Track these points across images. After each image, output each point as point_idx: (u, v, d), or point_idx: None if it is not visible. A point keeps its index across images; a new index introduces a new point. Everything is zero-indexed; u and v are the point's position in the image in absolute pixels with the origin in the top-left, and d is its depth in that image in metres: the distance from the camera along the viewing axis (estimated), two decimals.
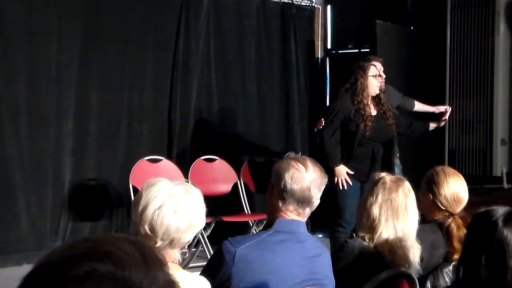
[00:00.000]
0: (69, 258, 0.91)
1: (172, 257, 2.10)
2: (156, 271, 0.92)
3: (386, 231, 2.83)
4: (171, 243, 2.07)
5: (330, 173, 5.02)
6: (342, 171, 5.12)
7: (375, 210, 2.85)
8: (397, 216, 2.84)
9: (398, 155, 5.61)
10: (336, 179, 5.09)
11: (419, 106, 5.73)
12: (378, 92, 5.16)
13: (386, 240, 2.81)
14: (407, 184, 2.94)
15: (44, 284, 0.89)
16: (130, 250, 0.92)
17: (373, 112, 5.18)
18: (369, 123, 5.08)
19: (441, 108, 5.48)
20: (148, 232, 2.05)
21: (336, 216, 5.16)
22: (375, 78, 5.12)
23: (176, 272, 2.08)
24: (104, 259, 0.90)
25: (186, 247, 2.18)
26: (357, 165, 5.15)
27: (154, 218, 2.05)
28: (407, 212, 2.86)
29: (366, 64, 5.13)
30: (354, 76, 5.14)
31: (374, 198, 2.88)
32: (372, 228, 2.85)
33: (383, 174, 3.00)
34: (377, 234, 2.82)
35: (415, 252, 2.84)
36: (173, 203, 2.06)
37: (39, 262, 0.93)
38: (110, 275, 0.89)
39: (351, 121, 5.12)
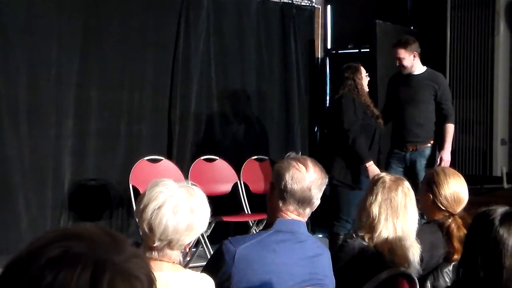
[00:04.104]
0: (41, 244, 0.96)
1: (172, 258, 2.10)
2: (124, 247, 1.00)
3: (385, 230, 2.83)
4: (170, 244, 2.07)
5: (342, 171, 5.14)
6: (376, 168, 5.16)
7: (374, 209, 2.86)
8: (396, 215, 2.85)
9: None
10: (369, 176, 5.07)
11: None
12: (368, 89, 5.46)
13: (386, 239, 2.82)
14: (406, 184, 2.95)
15: (20, 275, 0.92)
16: (98, 231, 1.00)
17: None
18: (380, 118, 5.32)
19: None
20: (147, 231, 2.06)
21: (338, 211, 5.21)
22: (366, 77, 5.44)
23: (179, 271, 2.09)
24: (76, 239, 0.96)
25: (188, 249, 2.18)
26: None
27: (152, 217, 2.05)
28: (407, 211, 2.87)
29: (358, 66, 5.43)
30: (351, 78, 5.35)
31: (374, 197, 2.89)
32: (372, 227, 2.86)
33: (383, 174, 3.02)
34: (377, 233, 2.83)
35: (414, 252, 2.85)
36: (173, 204, 2.06)
37: (11, 257, 0.96)
38: (84, 253, 0.94)
39: (368, 118, 5.26)
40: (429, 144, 5.60)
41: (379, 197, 2.88)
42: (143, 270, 1.00)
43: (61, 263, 0.92)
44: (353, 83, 5.32)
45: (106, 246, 0.98)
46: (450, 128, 5.60)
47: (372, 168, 5.18)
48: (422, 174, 5.36)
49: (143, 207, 2.08)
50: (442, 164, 5.38)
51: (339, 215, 5.22)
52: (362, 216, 2.91)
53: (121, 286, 0.95)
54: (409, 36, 5.84)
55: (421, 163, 5.53)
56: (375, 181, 2.96)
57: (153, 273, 1.03)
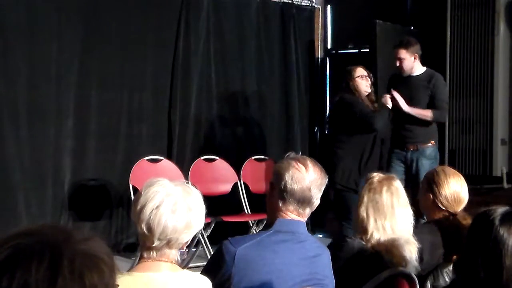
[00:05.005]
0: None
1: (171, 257, 2.10)
2: (75, 233, 1.02)
3: (376, 231, 2.85)
4: (169, 243, 2.07)
5: (344, 175, 5.17)
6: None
7: (362, 212, 2.89)
8: (384, 215, 2.86)
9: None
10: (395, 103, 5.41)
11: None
12: (369, 91, 5.44)
13: (379, 240, 2.83)
14: (395, 183, 2.95)
15: None
16: (45, 225, 1.01)
17: None
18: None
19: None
20: (145, 231, 2.05)
21: (347, 213, 5.21)
22: (362, 79, 5.41)
23: (177, 272, 2.09)
24: (24, 236, 0.97)
25: (185, 247, 2.17)
26: (372, 164, 5.27)
27: (151, 217, 2.05)
28: (394, 211, 2.87)
29: (352, 67, 5.46)
30: (345, 80, 5.47)
31: (361, 199, 2.92)
32: (364, 229, 2.87)
33: (374, 174, 3.02)
34: (369, 235, 2.85)
35: (411, 249, 2.85)
36: (171, 203, 2.06)
37: None
38: (36, 245, 0.94)
39: None
40: (430, 144, 5.60)
41: (365, 199, 2.90)
42: (101, 249, 1.00)
43: (15, 262, 0.90)
44: (347, 86, 5.39)
45: (57, 235, 0.97)
46: (427, 111, 5.54)
47: (406, 109, 5.44)
48: (423, 173, 5.37)
49: (140, 207, 2.07)
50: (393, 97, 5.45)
51: (348, 216, 5.20)
52: (355, 218, 2.93)
53: (82, 266, 0.95)
54: (411, 38, 5.82)
55: (422, 163, 5.54)
56: (366, 182, 2.98)
57: (110, 251, 1.03)
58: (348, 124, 5.31)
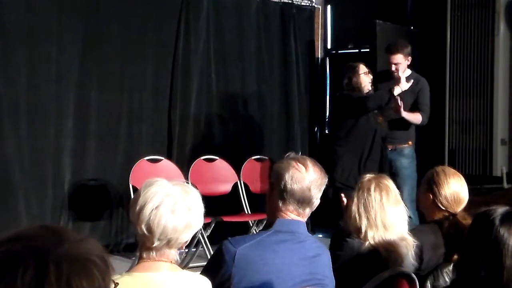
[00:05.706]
0: None
1: (170, 257, 2.10)
2: (66, 236, 0.99)
3: (370, 229, 2.87)
4: (168, 243, 2.07)
5: (344, 173, 5.17)
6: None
7: (354, 211, 2.92)
8: (374, 213, 2.89)
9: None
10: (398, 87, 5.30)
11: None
12: (370, 88, 5.47)
13: (374, 237, 2.85)
14: (385, 181, 2.97)
15: None
16: (35, 228, 1.00)
17: None
18: (381, 116, 5.34)
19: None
20: (145, 232, 2.05)
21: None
22: (366, 75, 5.46)
23: (176, 272, 2.09)
24: (10, 242, 0.94)
25: (184, 247, 2.17)
26: (371, 163, 5.26)
27: (151, 218, 2.04)
28: (384, 208, 2.89)
29: (356, 64, 5.49)
30: (347, 76, 5.43)
31: (352, 199, 2.95)
32: (357, 228, 2.89)
33: (367, 175, 3.04)
34: (363, 234, 2.87)
35: (407, 245, 2.86)
36: (171, 203, 2.05)
37: None
38: (22, 252, 0.92)
39: (368, 116, 5.30)
40: (407, 144, 5.67)
41: (355, 199, 2.94)
42: (93, 252, 0.98)
43: (0, 271, 0.89)
44: (350, 82, 5.39)
45: (45, 240, 0.95)
46: (418, 115, 5.60)
47: (403, 114, 5.37)
48: (402, 172, 5.55)
49: (139, 208, 2.06)
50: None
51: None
52: (349, 218, 2.95)
53: (70, 271, 0.93)
54: (402, 40, 5.82)
55: (401, 162, 5.64)
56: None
57: (105, 253, 1.01)
58: (346, 117, 5.32)
